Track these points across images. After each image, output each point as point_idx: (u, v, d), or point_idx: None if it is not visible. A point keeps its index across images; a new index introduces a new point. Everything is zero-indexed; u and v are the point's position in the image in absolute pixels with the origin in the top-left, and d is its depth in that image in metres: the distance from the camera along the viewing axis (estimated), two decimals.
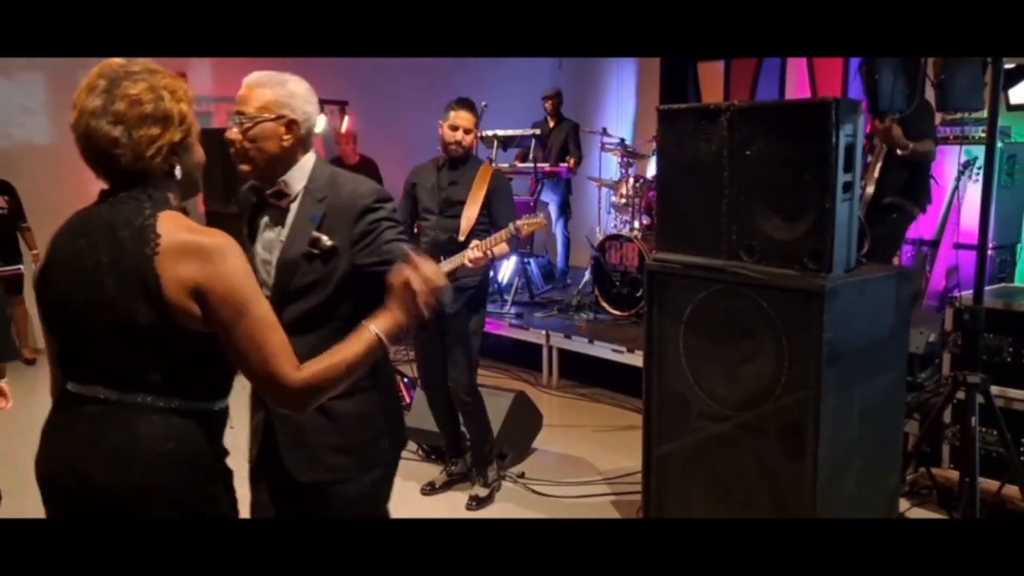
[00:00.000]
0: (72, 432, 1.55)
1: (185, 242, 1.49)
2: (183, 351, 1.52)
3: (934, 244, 5.76)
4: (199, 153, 1.63)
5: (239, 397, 2.46)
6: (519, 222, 3.54)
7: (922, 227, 5.91)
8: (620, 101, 9.19)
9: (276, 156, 2.01)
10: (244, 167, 2.03)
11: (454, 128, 3.68)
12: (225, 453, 1.65)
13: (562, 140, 7.44)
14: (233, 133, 1.99)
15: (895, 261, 5.52)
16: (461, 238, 3.68)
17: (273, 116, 1.98)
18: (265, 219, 2.12)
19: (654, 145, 6.39)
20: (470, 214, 3.70)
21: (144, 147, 1.51)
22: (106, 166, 1.53)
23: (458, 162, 3.73)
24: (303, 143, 2.05)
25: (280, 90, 1.99)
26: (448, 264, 3.62)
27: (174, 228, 1.50)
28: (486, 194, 3.72)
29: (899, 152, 4.41)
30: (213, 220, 6.80)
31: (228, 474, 1.65)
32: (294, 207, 2.05)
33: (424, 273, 1.57)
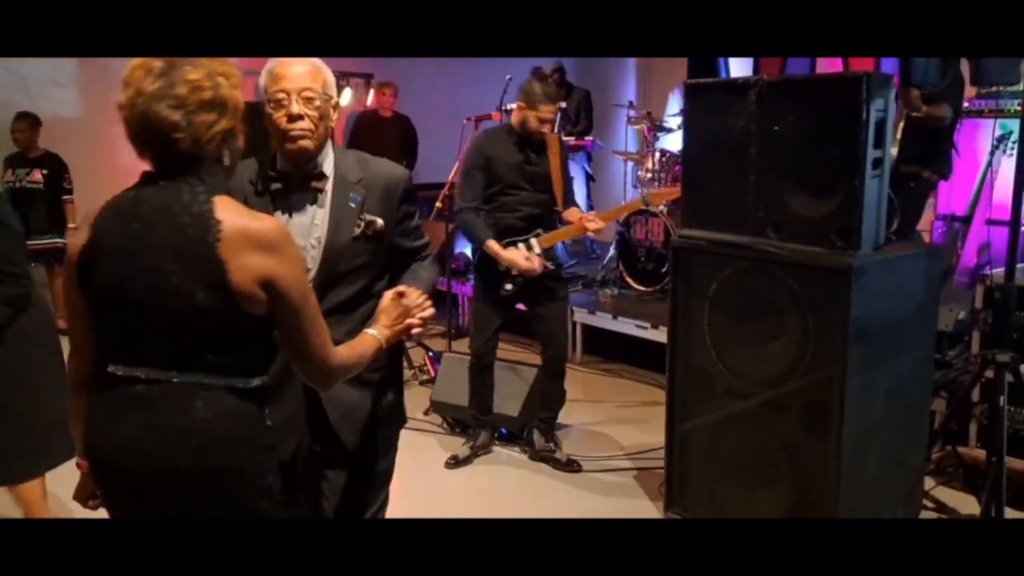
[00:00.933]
0: (126, 414, 1.57)
1: (247, 229, 1.51)
2: (238, 333, 1.56)
3: (966, 220, 5.66)
4: (242, 140, 1.64)
5: None
6: (650, 192, 3.56)
7: (954, 203, 5.82)
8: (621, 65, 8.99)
9: (328, 136, 2.07)
10: (309, 144, 2.01)
11: (542, 120, 3.73)
12: (270, 426, 1.67)
13: (574, 110, 7.36)
14: (305, 108, 1.98)
15: (925, 237, 5.44)
16: (561, 208, 3.87)
17: (331, 96, 2.04)
18: (294, 203, 2.08)
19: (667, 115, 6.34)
20: (559, 184, 3.86)
21: (203, 132, 1.52)
22: (161, 149, 1.53)
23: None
24: None
25: (328, 74, 2.05)
26: (551, 237, 3.83)
27: (232, 214, 1.52)
28: (561, 162, 3.87)
29: (913, 114, 4.34)
30: None
31: (274, 447, 1.67)
32: (329, 190, 2.07)
33: (414, 301, 1.91)
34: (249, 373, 1.60)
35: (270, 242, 1.52)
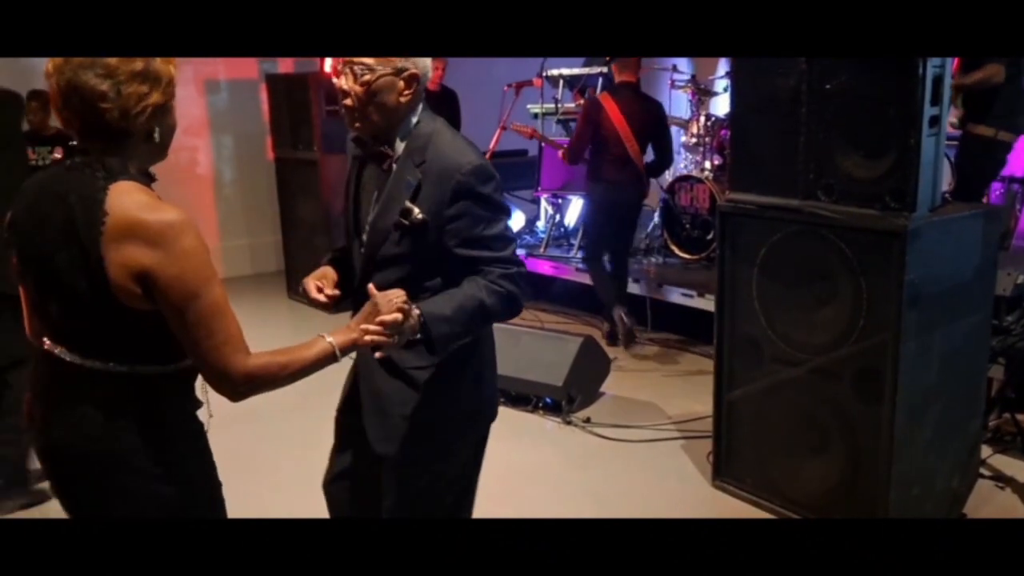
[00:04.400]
0: (48, 393, 1.57)
1: (133, 221, 1.42)
2: (130, 325, 1.49)
3: None
4: (175, 118, 1.57)
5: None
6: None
7: (1013, 163, 5.61)
8: None
9: (394, 113, 1.84)
10: (357, 124, 1.84)
11: None
12: (185, 416, 1.63)
13: None
14: (348, 84, 1.80)
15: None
16: None
17: (394, 69, 1.80)
18: (367, 176, 1.97)
19: (725, 81, 6.20)
20: None
21: (132, 104, 1.45)
22: (87, 121, 1.46)
23: None
24: (418, 100, 1.89)
25: None
26: None
27: (125, 204, 1.43)
28: None
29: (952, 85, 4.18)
30: (281, 166, 6.88)
31: (187, 435, 1.63)
32: (394, 169, 1.88)
33: (391, 308, 1.67)
34: (153, 361, 1.54)
35: (154, 235, 1.42)
